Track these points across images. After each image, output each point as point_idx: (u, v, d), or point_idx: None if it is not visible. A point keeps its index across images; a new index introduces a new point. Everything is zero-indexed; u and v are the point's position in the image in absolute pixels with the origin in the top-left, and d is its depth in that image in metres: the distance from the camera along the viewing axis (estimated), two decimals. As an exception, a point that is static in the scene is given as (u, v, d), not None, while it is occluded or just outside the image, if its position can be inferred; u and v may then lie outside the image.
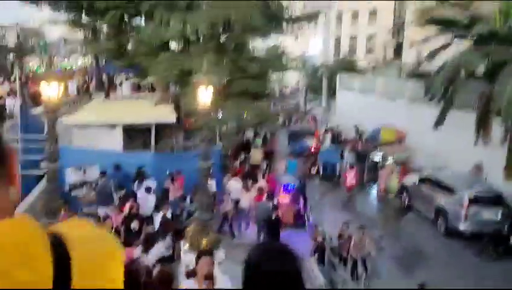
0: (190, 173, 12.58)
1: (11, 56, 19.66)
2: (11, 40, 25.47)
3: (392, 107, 24.40)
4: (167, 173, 12.52)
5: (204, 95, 8.33)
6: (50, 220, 7.48)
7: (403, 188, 17.75)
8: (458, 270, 12.19)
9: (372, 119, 24.81)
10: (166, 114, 15.52)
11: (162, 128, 16.32)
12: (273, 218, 11.64)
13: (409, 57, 29.96)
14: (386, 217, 16.66)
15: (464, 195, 14.13)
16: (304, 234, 13.75)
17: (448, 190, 14.94)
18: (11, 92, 16.89)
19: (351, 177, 17.44)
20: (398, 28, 33.89)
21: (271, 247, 1.49)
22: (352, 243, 10.91)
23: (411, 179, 17.59)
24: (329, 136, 25.95)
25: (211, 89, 8.42)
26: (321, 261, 10.52)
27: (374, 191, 20.03)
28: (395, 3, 34.25)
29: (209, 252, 5.22)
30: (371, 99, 27.37)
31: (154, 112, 15.50)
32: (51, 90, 7.47)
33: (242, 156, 17.78)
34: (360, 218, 14.99)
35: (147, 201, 10.29)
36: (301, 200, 14.69)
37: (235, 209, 12.84)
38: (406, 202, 17.33)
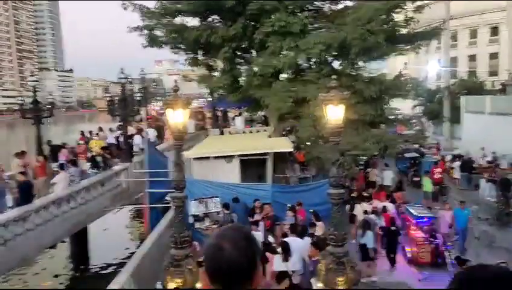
0: (313, 204, 11.74)
1: (137, 101, 21.10)
2: (136, 88, 27.73)
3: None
4: (288, 205, 11.77)
5: (334, 114, 7.47)
6: (179, 252, 7.13)
7: None
8: None
9: (509, 143, 21.56)
10: (283, 144, 15.01)
11: (276, 161, 15.84)
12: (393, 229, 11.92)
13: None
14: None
15: None
16: (446, 277, 11.76)
17: None
18: (139, 131, 18.13)
19: (437, 173, 19.83)
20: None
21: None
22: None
23: None
24: (457, 164, 23.04)
25: (341, 107, 7.53)
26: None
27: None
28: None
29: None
30: (508, 121, 23.94)
31: (270, 142, 15.11)
32: (177, 117, 7.34)
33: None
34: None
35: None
36: (440, 235, 12.68)
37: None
38: None
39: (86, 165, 14.39)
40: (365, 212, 13.22)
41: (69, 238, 16.16)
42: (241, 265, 1.22)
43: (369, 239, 11.33)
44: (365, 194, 15.10)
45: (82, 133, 17.79)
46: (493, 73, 39.61)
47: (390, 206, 14.02)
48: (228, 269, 1.22)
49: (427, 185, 18.81)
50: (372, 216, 12.86)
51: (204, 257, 1.31)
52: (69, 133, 53.98)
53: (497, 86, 35.54)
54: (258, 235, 9.84)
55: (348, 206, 14.48)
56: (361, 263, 11.35)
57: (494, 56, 40.93)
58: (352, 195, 15.67)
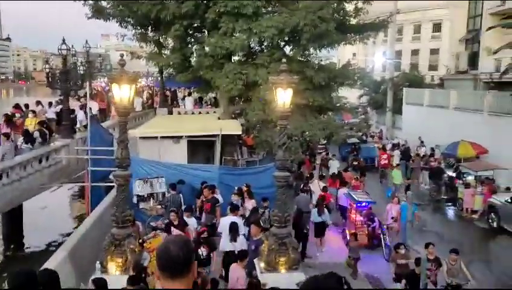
0: (260, 187, 11.92)
1: (80, 75, 20.05)
2: (80, 62, 26.44)
3: (469, 121, 22.49)
4: (235, 188, 11.81)
5: (283, 97, 7.56)
6: (120, 231, 6.97)
7: (490, 208, 15.87)
8: None
9: (443, 134, 23.07)
10: (232, 126, 14.98)
11: (224, 143, 15.83)
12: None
13: (486, 67, 27.61)
14: (472, 240, 14.87)
15: None
16: (381, 257, 12.50)
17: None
18: (83, 107, 17.26)
19: (383, 159, 22.29)
20: (472, 37, 31.54)
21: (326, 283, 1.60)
22: (445, 268, 9.49)
23: (499, 198, 15.70)
24: (397, 153, 24.32)
25: (290, 91, 7.63)
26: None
27: (451, 210, 18.27)
28: (468, 11, 32.04)
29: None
30: (443, 114, 25.55)
31: (220, 124, 15.03)
32: (123, 92, 7.08)
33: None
34: (442, 241, 13.47)
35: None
36: (376, 219, 13.39)
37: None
38: (495, 224, 15.44)
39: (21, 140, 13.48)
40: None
41: (0, 217, 15.25)
42: (180, 258, 1.79)
43: (327, 216, 12.51)
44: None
45: (17, 106, 16.53)
46: (433, 67, 41.67)
47: (342, 191, 15.16)
48: (172, 262, 1.79)
49: (397, 177, 18.97)
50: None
51: (157, 255, 1.88)
52: (4, 105, 50.38)
53: (436, 80, 37.53)
54: (192, 221, 9.91)
55: (302, 185, 15.14)
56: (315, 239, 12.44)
57: (434, 52, 42.97)
58: (307, 176, 16.57)
